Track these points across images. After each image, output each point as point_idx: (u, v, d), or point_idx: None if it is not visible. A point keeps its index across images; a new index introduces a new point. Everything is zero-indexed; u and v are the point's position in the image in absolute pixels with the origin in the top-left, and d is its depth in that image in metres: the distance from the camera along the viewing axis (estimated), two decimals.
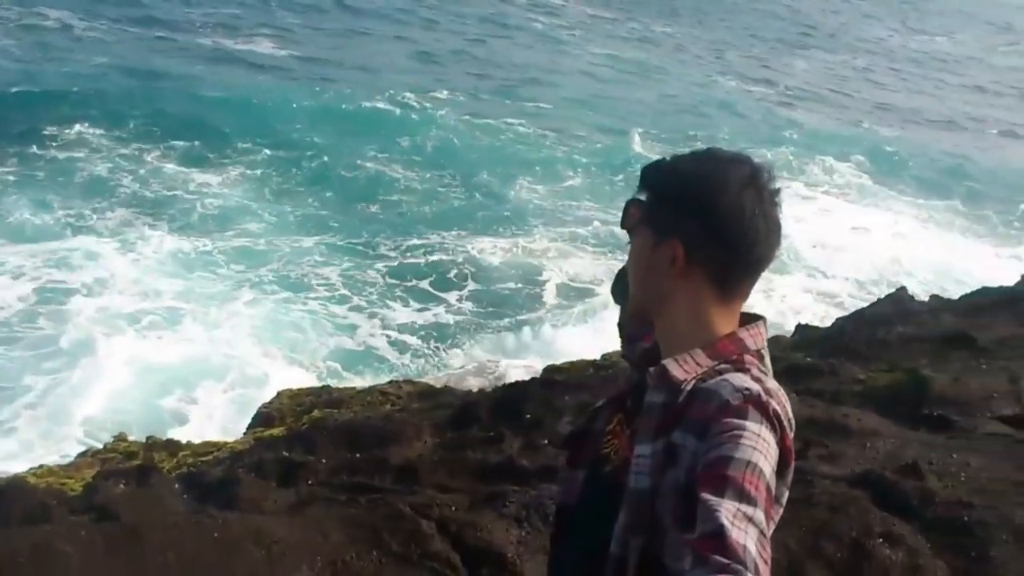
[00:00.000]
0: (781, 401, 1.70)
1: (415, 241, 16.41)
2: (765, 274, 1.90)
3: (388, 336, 13.29)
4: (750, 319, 1.87)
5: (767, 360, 1.83)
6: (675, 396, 1.72)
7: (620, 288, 2.07)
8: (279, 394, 8.72)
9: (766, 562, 1.45)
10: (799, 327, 8.56)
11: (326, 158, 19.49)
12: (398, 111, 23.30)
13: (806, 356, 7.34)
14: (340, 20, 33.88)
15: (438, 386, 8.47)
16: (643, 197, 1.88)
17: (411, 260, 15.75)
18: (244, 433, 8.36)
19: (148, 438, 8.22)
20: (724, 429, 1.59)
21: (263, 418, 8.43)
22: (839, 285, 16.46)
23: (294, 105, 22.26)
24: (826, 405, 6.13)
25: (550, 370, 8.12)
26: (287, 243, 15.67)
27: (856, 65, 41.69)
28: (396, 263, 15.58)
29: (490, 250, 16.30)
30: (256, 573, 3.45)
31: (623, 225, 1.92)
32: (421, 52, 30.69)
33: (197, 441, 8.18)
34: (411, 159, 20.29)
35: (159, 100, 20.94)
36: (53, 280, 13.22)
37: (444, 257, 15.98)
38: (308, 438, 6.91)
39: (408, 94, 24.56)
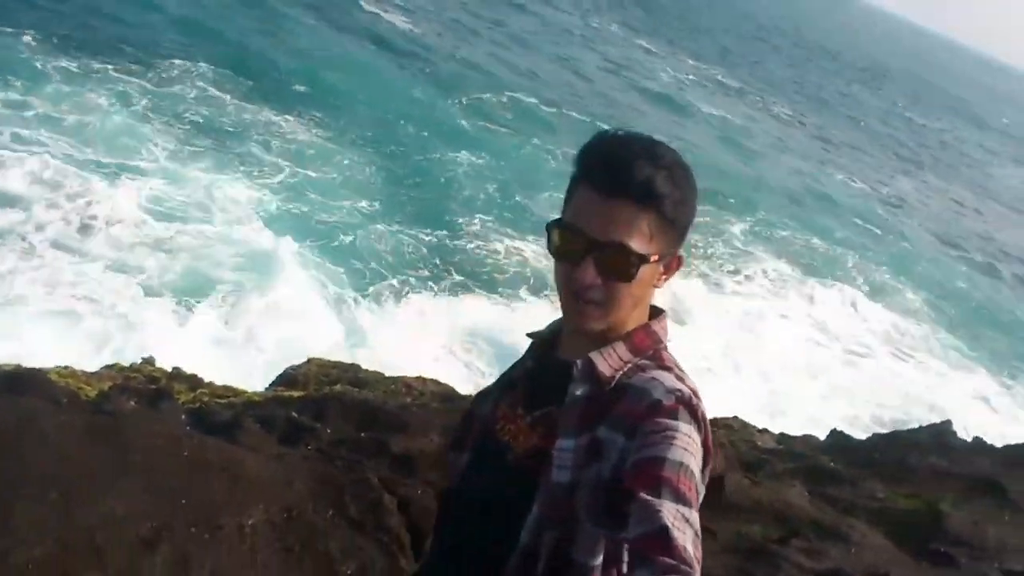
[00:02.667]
0: (703, 401, 1.70)
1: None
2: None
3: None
4: (654, 311, 1.86)
5: (672, 354, 1.82)
6: (599, 390, 1.71)
7: None
8: (310, 360, 8.78)
9: (700, 562, 1.45)
10: (833, 432, 8.38)
11: (398, 135, 20.33)
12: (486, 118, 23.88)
13: (831, 462, 7.19)
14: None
15: (462, 391, 8.44)
16: (640, 208, 1.68)
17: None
18: (266, 387, 8.42)
19: (174, 368, 8.32)
20: (656, 428, 1.59)
21: (288, 378, 8.49)
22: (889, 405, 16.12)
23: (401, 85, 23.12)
24: (836, 513, 5.99)
25: None
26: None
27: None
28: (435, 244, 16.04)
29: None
30: (211, 498, 3.46)
31: (607, 244, 1.69)
32: (544, 70, 31.12)
33: (220, 383, 8.26)
34: (480, 160, 20.69)
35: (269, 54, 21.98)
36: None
37: (480, 245, 16.55)
38: (321, 406, 6.94)
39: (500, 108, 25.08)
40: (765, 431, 8.43)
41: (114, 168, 14.19)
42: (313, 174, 16.84)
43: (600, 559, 1.66)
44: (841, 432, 8.40)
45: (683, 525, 1.45)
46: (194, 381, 8.05)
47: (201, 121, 17.21)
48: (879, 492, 6.52)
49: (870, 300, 22.34)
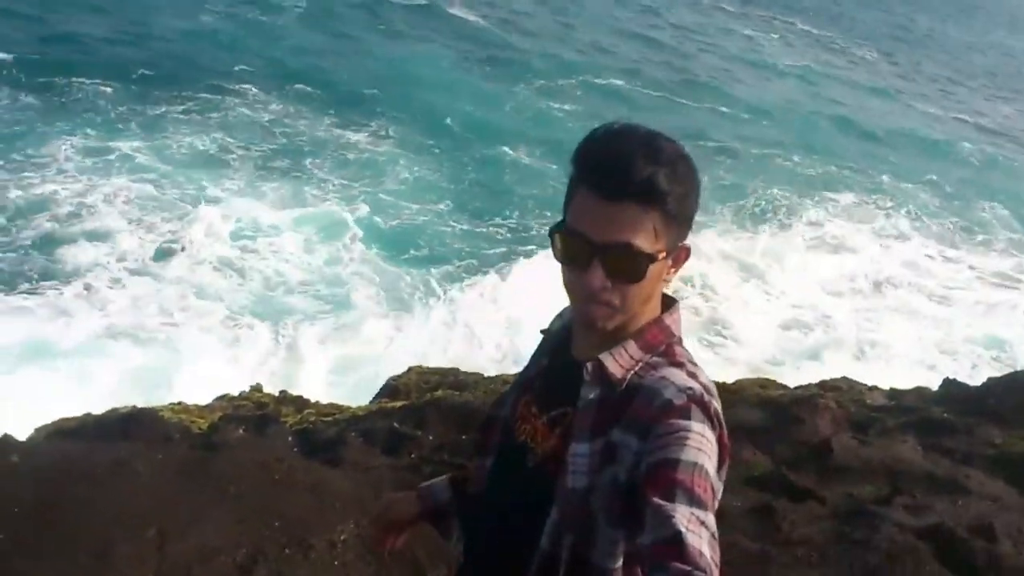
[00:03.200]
0: (716, 397, 1.67)
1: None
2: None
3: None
4: (667, 302, 1.82)
5: (684, 345, 1.78)
6: (611, 391, 1.69)
7: None
8: (409, 369, 8.90)
9: (717, 564, 1.43)
10: (946, 381, 8.09)
11: (463, 132, 20.30)
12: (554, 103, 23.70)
13: (944, 412, 6.95)
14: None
15: None
16: (642, 207, 1.64)
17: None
18: (370, 401, 8.56)
19: (281, 392, 8.54)
20: (669, 430, 1.56)
21: (390, 390, 8.61)
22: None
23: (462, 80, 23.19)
24: (951, 464, 5.81)
25: None
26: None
27: None
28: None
29: None
30: (304, 518, 3.56)
31: (614, 245, 1.64)
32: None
33: (324, 402, 8.45)
34: (547, 150, 20.46)
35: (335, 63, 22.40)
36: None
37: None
38: (421, 413, 7.04)
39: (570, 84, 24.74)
40: (875, 388, 8.20)
41: (194, 198, 14.68)
42: (386, 182, 17.08)
43: (620, 562, 1.65)
44: (954, 380, 8.09)
45: (698, 528, 1.44)
46: (300, 403, 8.23)
47: (276, 146, 17.61)
48: (996, 438, 6.28)
49: (967, 235, 21.56)
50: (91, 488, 3.41)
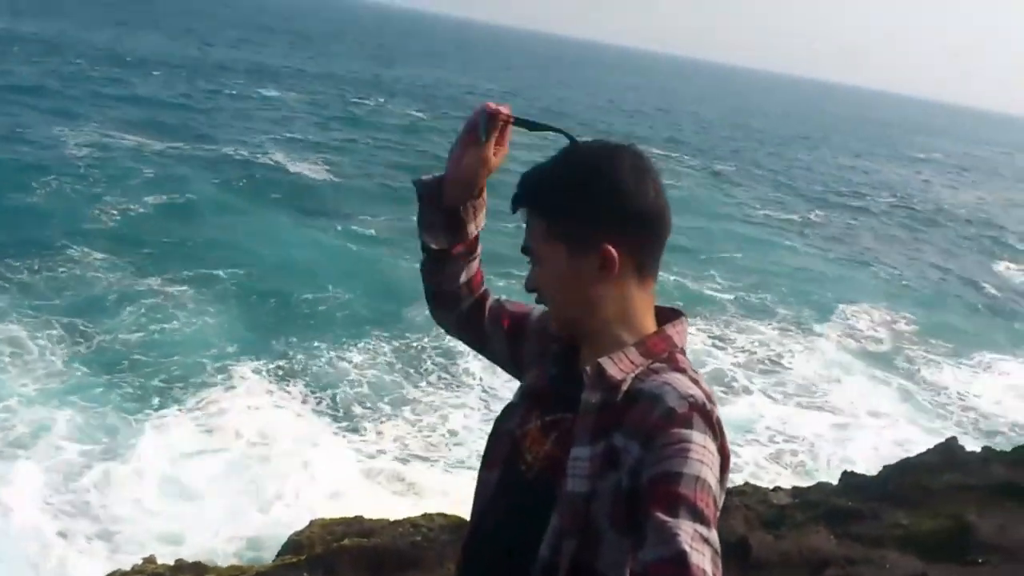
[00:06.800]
0: (717, 405, 1.67)
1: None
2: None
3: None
4: (672, 315, 1.85)
5: (688, 358, 1.80)
6: (612, 395, 1.68)
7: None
8: (311, 523, 8.63)
9: None
10: (844, 474, 8.31)
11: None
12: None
13: (848, 501, 7.12)
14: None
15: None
16: (531, 211, 1.82)
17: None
18: (273, 560, 8.25)
19: (176, 560, 8.19)
20: (671, 441, 1.55)
21: (293, 546, 8.33)
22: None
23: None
24: (865, 548, 5.93)
25: None
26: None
27: None
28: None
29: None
30: None
31: (526, 248, 1.84)
32: None
33: (224, 566, 8.13)
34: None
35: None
36: None
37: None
38: (329, 562, 6.85)
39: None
40: (778, 488, 8.35)
41: None
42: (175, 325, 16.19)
43: (628, 571, 1.57)
44: (852, 472, 8.32)
45: (701, 545, 1.42)
46: (199, 568, 7.90)
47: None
48: (903, 519, 6.46)
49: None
50: None
